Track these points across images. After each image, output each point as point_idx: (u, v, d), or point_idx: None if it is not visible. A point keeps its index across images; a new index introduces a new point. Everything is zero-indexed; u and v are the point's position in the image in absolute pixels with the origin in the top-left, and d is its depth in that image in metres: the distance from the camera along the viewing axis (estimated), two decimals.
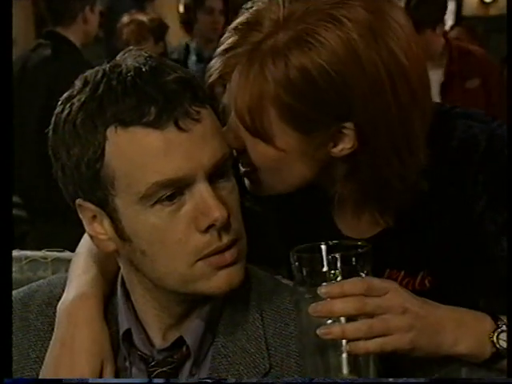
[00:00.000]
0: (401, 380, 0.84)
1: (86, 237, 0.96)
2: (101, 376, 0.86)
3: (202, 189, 0.80)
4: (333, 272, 0.79)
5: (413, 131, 0.89)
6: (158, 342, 0.89)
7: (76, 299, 0.90)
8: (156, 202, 0.79)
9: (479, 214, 0.95)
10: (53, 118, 0.85)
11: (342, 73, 0.84)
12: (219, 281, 0.82)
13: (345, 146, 0.89)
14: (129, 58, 0.83)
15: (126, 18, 3.37)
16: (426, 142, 0.91)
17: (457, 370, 0.91)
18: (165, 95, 0.79)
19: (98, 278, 0.92)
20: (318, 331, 0.78)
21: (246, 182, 0.97)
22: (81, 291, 0.91)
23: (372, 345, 0.79)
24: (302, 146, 0.89)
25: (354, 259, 0.80)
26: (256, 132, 0.88)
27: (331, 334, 0.78)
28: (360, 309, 0.79)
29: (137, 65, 0.81)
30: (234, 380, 0.85)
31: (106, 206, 0.82)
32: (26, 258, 1.13)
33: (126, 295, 0.90)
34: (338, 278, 0.79)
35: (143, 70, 0.81)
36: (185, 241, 0.80)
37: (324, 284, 0.79)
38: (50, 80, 2.39)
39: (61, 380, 0.85)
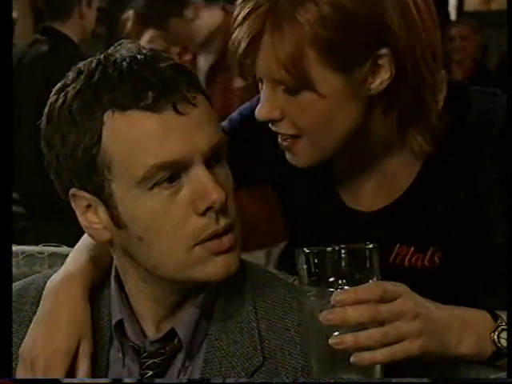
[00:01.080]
0: (404, 380, 0.84)
1: (85, 235, 0.96)
2: (76, 353, 0.86)
3: (199, 172, 0.80)
4: (341, 281, 0.78)
5: (435, 42, 0.92)
6: (151, 333, 0.88)
7: (62, 279, 0.91)
8: (154, 186, 0.79)
9: (489, 188, 0.96)
10: (46, 109, 0.85)
11: None
12: (216, 267, 0.82)
13: (383, 77, 0.90)
14: (122, 49, 0.84)
15: (130, 12, 3.36)
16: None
17: (456, 368, 0.91)
18: (161, 80, 0.80)
19: (88, 264, 0.92)
20: (330, 341, 0.76)
21: (289, 155, 0.97)
22: (68, 273, 0.91)
23: (380, 356, 0.77)
24: (344, 87, 0.90)
25: (364, 263, 0.78)
26: (301, 80, 0.88)
27: (344, 344, 0.76)
28: (374, 317, 0.78)
29: (131, 54, 0.82)
30: (220, 380, 0.85)
31: (101, 192, 0.82)
32: (23, 252, 1.13)
33: (120, 286, 0.90)
34: (346, 286, 0.78)
35: (138, 57, 0.81)
36: (182, 224, 0.80)
37: (332, 290, 0.77)
38: (47, 75, 2.38)
39: (59, 380, 0.86)
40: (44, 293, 0.91)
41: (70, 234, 1.03)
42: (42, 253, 1.12)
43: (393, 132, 0.96)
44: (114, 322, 0.89)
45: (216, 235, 0.81)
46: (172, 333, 0.87)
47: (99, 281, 0.93)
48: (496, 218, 0.96)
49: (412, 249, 1.01)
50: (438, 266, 1.00)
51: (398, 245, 1.02)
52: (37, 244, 1.13)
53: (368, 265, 0.79)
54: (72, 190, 0.84)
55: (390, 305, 0.79)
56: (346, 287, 0.78)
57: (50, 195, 1.83)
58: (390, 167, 1.01)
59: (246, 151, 1.08)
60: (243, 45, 0.89)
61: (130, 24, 3.24)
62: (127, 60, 0.81)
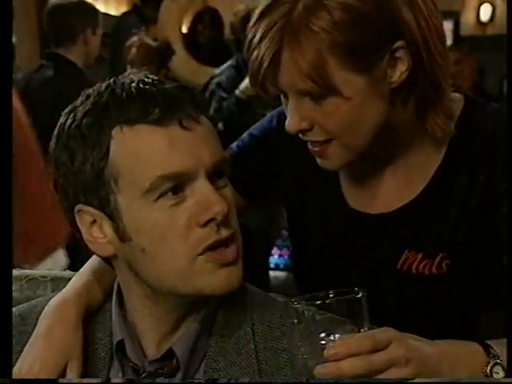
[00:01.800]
0: (406, 381, 0.83)
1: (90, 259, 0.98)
2: (64, 376, 0.88)
3: (202, 185, 0.83)
4: (333, 336, 0.78)
5: (440, 27, 0.95)
6: (151, 352, 0.90)
7: (57, 303, 0.92)
8: (158, 198, 0.82)
9: (500, 196, 0.97)
10: (55, 131, 0.88)
11: None
12: (219, 279, 0.83)
13: (401, 69, 0.93)
14: (130, 75, 0.87)
15: (135, 39, 3.40)
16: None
17: None
18: (168, 98, 0.83)
19: (85, 287, 0.94)
20: (315, 372, 0.77)
21: (321, 160, 0.99)
22: (63, 296, 0.93)
23: None
24: (367, 86, 0.92)
25: (354, 313, 0.78)
26: (325, 86, 0.91)
27: (329, 375, 0.77)
28: (368, 368, 0.78)
29: (139, 77, 0.86)
30: (225, 380, 0.86)
31: (107, 206, 0.84)
32: (26, 276, 1.13)
33: (120, 304, 0.91)
34: (337, 335, 0.78)
35: (146, 80, 0.85)
36: (185, 235, 0.82)
37: (324, 342, 0.77)
38: (52, 100, 2.42)
39: (57, 380, 0.87)
40: (41, 315, 0.93)
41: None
42: (45, 277, 1.13)
43: (413, 121, 0.97)
44: (115, 342, 0.90)
45: (218, 245, 0.83)
46: (171, 353, 0.88)
47: (98, 302, 0.94)
48: (504, 233, 0.96)
49: (420, 255, 1.01)
50: (445, 273, 1.00)
51: (406, 250, 1.02)
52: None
53: (358, 314, 0.78)
54: (78, 206, 0.86)
55: (382, 354, 0.79)
56: (337, 336, 0.78)
57: None
58: (407, 165, 1.02)
59: (255, 168, 1.11)
60: (265, 64, 0.91)
61: (134, 50, 3.29)
62: (135, 82, 0.84)
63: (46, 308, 0.93)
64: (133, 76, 0.86)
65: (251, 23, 0.93)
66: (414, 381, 0.82)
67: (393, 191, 1.03)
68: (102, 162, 0.83)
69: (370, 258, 1.04)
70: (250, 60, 0.93)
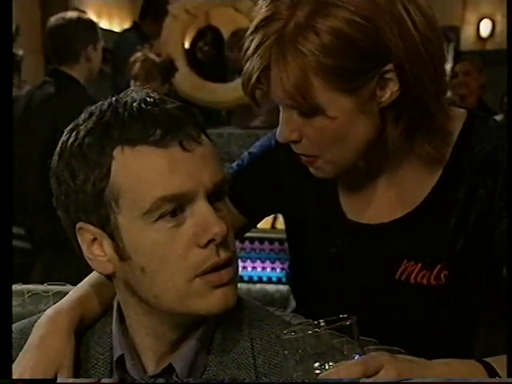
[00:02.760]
0: (409, 381, 0.83)
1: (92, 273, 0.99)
2: None
3: (202, 206, 0.84)
4: (327, 364, 0.78)
5: (435, 52, 0.95)
6: (151, 368, 0.90)
7: (51, 313, 0.93)
8: (158, 218, 0.82)
9: (500, 211, 0.98)
10: (57, 148, 0.89)
11: (367, 17, 0.89)
12: (215, 299, 0.84)
13: (392, 89, 0.93)
14: (133, 93, 0.88)
15: (139, 55, 3.42)
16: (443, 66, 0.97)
17: None
18: (169, 119, 0.84)
19: (80, 300, 0.95)
20: None
21: (313, 170, 1.01)
22: (58, 307, 0.94)
23: None
24: (354, 106, 0.92)
25: (345, 346, 0.79)
26: (308, 108, 0.92)
27: None
28: None
29: (141, 96, 0.86)
30: (223, 379, 0.86)
31: (107, 225, 0.85)
32: (29, 291, 1.14)
33: (120, 320, 0.92)
34: (331, 363, 0.79)
35: (147, 99, 0.86)
36: (184, 256, 0.83)
37: (318, 372, 0.78)
38: (54, 116, 2.44)
39: (55, 380, 0.88)
40: (35, 325, 0.93)
41: (75, 268, 1.04)
42: (47, 292, 1.13)
43: (402, 141, 0.98)
44: (115, 358, 0.90)
45: (216, 268, 0.84)
46: (170, 368, 0.88)
47: (94, 315, 0.95)
48: (503, 246, 0.97)
49: (419, 265, 1.02)
50: (443, 284, 1.01)
51: (405, 260, 1.02)
52: (42, 280, 1.13)
53: (350, 341, 0.79)
54: (79, 224, 0.86)
55: (371, 380, 0.79)
56: (331, 364, 0.78)
57: (55, 231, 1.86)
58: (404, 179, 1.03)
59: (256, 186, 1.13)
60: (254, 77, 0.93)
61: (138, 65, 3.31)
62: (137, 101, 0.85)
63: (41, 318, 0.94)
64: (135, 94, 0.87)
65: (248, 33, 0.94)
66: (413, 381, 0.82)
67: (393, 201, 1.04)
68: (102, 182, 0.83)
69: (368, 267, 1.05)
70: (243, 71, 0.94)
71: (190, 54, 4.51)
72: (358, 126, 0.94)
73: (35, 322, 0.96)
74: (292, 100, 0.92)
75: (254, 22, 0.93)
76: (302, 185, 1.10)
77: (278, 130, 0.98)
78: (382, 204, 1.05)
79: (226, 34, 4.77)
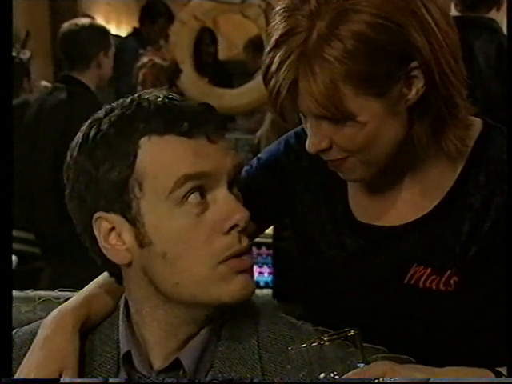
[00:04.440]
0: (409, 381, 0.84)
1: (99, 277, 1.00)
2: None
3: (224, 193, 0.87)
4: (332, 373, 0.79)
5: (453, 45, 0.95)
6: (158, 363, 0.91)
7: (56, 314, 0.94)
8: (183, 200, 0.84)
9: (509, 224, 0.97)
10: (74, 142, 0.90)
11: (389, 18, 0.90)
12: (237, 286, 0.86)
13: (417, 86, 0.93)
14: (153, 92, 0.90)
15: (146, 60, 3.43)
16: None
17: None
18: (195, 114, 0.87)
19: (86, 300, 0.96)
20: None
21: (343, 174, 1.01)
22: (63, 307, 0.95)
23: None
24: (384, 109, 0.93)
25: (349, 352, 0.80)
26: (341, 113, 0.92)
27: None
28: None
29: (164, 94, 0.89)
30: (228, 378, 0.88)
31: (129, 212, 0.86)
32: (40, 298, 1.14)
33: (127, 317, 0.93)
34: (335, 375, 0.80)
35: (171, 96, 0.89)
36: (208, 242, 0.85)
37: None
38: (65, 122, 2.45)
39: (58, 380, 0.89)
40: (41, 325, 0.94)
41: (85, 274, 1.04)
42: (58, 298, 1.13)
43: (429, 137, 0.98)
44: (122, 354, 0.91)
45: (238, 254, 0.86)
46: (177, 363, 0.90)
47: (101, 315, 0.96)
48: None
49: (429, 270, 1.01)
50: (453, 290, 1.00)
51: (415, 264, 1.02)
52: (52, 284, 1.13)
53: (353, 352, 0.80)
54: (97, 214, 0.87)
55: None
56: (336, 374, 0.79)
57: (64, 237, 1.87)
58: (424, 179, 1.03)
59: (265, 192, 1.13)
60: (284, 93, 0.93)
61: (145, 70, 3.31)
62: (161, 97, 0.88)
63: (46, 318, 0.94)
64: (156, 93, 0.89)
65: (267, 50, 0.94)
66: (414, 381, 0.82)
67: (406, 204, 1.04)
68: (128, 169, 0.85)
69: (377, 270, 1.05)
70: (268, 88, 0.94)
71: (196, 60, 4.53)
72: (389, 128, 0.95)
73: None
74: (324, 110, 0.92)
75: (274, 38, 0.93)
76: (311, 189, 1.10)
77: (308, 141, 0.98)
78: (395, 207, 1.05)
79: (235, 39, 4.79)
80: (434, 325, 1.02)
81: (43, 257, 2.65)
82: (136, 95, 0.90)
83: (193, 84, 4.29)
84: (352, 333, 0.80)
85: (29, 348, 0.93)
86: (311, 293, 1.15)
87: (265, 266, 3.23)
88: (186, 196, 0.84)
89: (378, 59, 0.90)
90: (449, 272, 1.00)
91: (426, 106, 0.95)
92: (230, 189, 0.88)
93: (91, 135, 0.87)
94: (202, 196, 0.85)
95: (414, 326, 1.03)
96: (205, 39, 4.70)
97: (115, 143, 0.86)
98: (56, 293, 1.15)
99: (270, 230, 3.47)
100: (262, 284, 3.14)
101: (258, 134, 3.38)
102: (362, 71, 0.90)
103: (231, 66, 4.93)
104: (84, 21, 2.76)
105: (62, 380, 0.89)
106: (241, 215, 0.85)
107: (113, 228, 0.87)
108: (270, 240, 3.04)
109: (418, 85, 0.93)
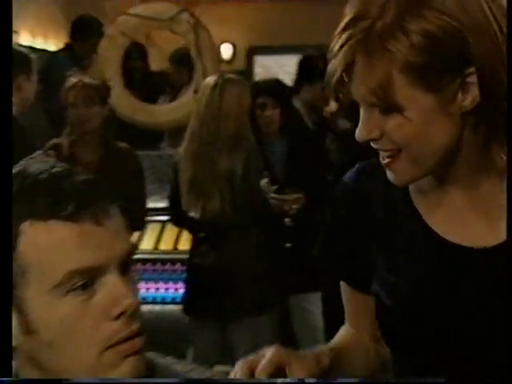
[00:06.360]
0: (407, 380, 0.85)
1: None
2: None
3: (114, 278, 0.83)
4: None
5: (504, 48, 0.95)
6: None
7: None
8: (68, 291, 0.82)
9: None
10: None
11: (457, 21, 0.91)
12: (128, 367, 0.84)
13: (474, 94, 0.93)
14: (36, 164, 0.86)
15: (75, 80, 3.37)
16: None
17: None
18: (80, 194, 0.83)
19: None
20: None
21: (390, 174, 1.01)
22: None
23: None
24: (434, 106, 0.93)
25: None
26: (391, 104, 0.93)
27: None
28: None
29: (46, 167, 0.85)
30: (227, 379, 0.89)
31: (13, 298, 0.83)
32: None
33: None
34: None
35: (56, 172, 0.84)
36: (96, 328, 0.83)
37: None
38: None
39: (60, 380, 0.85)
40: None
41: None
42: None
43: (479, 149, 0.98)
44: None
45: (127, 338, 0.84)
46: None
47: None
48: None
49: None
50: None
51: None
52: None
53: None
54: None
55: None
56: None
57: None
58: (487, 197, 1.01)
59: (353, 252, 1.11)
60: (338, 73, 0.94)
61: (74, 93, 3.26)
62: (46, 174, 0.83)
63: None
64: (39, 165, 0.84)
65: (337, 31, 0.96)
66: (411, 380, 0.83)
67: (481, 225, 1.01)
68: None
69: (461, 295, 1.01)
70: (328, 69, 0.96)
71: (126, 76, 4.50)
72: (439, 127, 0.95)
73: None
74: (374, 97, 0.93)
75: (344, 21, 0.95)
76: (391, 217, 1.06)
77: (358, 129, 0.98)
78: (473, 222, 1.01)
79: (166, 53, 4.79)
80: None
81: None
82: (17, 169, 0.85)
83: (123, 101, 4.26)
84: None
85: None
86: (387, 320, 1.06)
87: (180, 283, 3.24)
88: (71, 289, 0.82)
89: (439, 56, 0.91)
90: None
91: (480, 115, 0.95)
92: (123, 272, 0.85)
93: None
94: (91, 284, 0.83)
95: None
96: (132, 54, 4.66)
97: None
98: None
99: (185, 246, 3.42)
100: (177, 300, 3.16)
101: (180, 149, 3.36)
102: (420, 64, 0.91)
103: (162, 80, 4.92)
104: None
105: (62, 381, 0.84)
106: (130, 301, 0.82)
107: None
108: (184, 256, 2.99)
109: (475, 92, 0.93)
